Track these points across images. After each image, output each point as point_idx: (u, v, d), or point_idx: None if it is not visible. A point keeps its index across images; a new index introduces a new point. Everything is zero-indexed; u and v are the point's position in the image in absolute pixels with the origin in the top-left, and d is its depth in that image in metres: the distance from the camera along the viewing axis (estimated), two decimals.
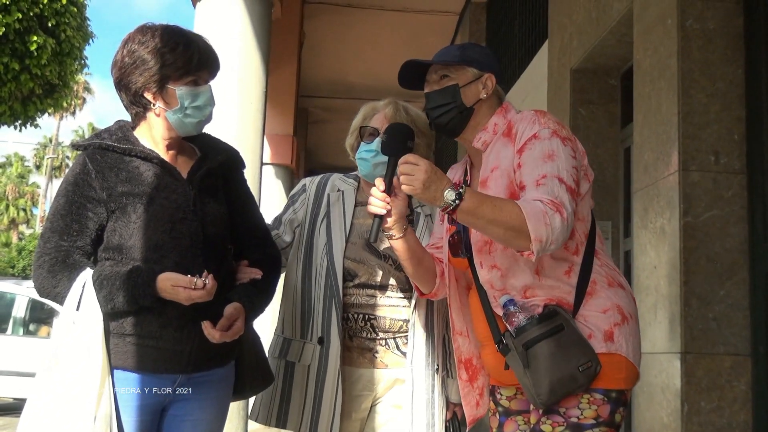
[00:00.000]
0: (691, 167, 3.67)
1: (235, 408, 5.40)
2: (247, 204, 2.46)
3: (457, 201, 1.96)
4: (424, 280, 2.43)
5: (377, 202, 2.18)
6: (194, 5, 6.43)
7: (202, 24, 6.28)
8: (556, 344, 2.02)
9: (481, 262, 2.22)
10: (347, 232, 2.69)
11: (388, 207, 2.19)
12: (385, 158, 2.28)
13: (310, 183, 2.81)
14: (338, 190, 2.77)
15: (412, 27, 9.49)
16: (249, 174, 5.79)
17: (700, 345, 3.56)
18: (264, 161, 7.10)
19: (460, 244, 2.30)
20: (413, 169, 2.00)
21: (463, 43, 2.39)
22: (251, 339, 2.41)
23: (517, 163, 2.12)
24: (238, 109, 6.06)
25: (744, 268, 3.62)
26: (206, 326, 2.14)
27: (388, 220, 2.22)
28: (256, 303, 2.30)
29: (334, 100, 12.62)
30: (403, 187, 2.02)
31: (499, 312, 2.15)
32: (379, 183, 2.19)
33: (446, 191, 1.97)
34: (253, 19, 6.28)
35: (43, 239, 2.19)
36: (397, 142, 2.24)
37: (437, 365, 2.68)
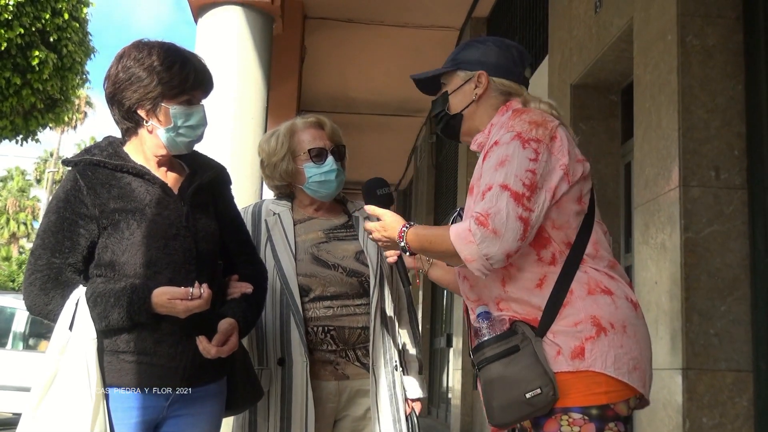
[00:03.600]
0: (691, 183, 3.67)
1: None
2: (236, 220, 2.46)
3: (402, 245, 2.17)
4: None
5: (389, 251, 2.38)
6: (196, 21, 6.45)
7: (203, 39, 6.31)
8: (505, 367, 1.95)
9: (459, 272, 2.21)
10: (293, 251, 2.73)
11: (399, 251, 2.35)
12: (344, 175, 2.81)
13: (244, 213, 2.81)
14: (274, 214, 2.82)
15: (413, 42, 9.50)
16: (250, 189, 5.83)
17: (702, 361, 3.55)
18: None
19: None
20: (373, 235, 2.29)
21: (465, 42, 2.36)
22: (241, 353, 2.41)
23: (480, 172, 2.09)
24: (239, 124, 6.08)
25: (745, 284, 3.61)
26: (202, 341, 2.14)
27: (407, 260, 2.41)
28: (249, 318, 2.31)
29: (335, 114, 12.62)
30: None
31: (474, 324, 2.09)
32: None
33: (398, 241, 2.18)
34: (254, 35, 6.30)
35: (34, 256, 2.16)
36: (374, 198, 2.38)
37: (395, 362, 2.75)
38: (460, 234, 1.96)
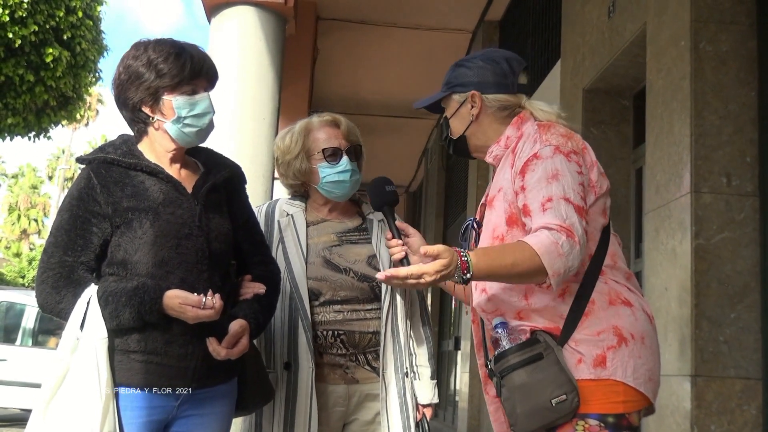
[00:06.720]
0: (703, 189, 3.66)
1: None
2: (250, 220, 2.45)
3: (468, 278, 1.89)
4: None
5: (395, 249, 2.35)
6: (209, 20, 6.48)
7: (216, 39, 6.33)
8: (530, 374, 1.96)
9: (476, 284, 2.19)
10: (305, 253, 2.70)
11: (405, 248, 2.34)
12: (360, 175, 2.73)
13: (257, 212, 2.76)
14: (288, 215, 2.78)
15: (425, 44, 9.50)
16: (260, 189, 5.84)
17: (711, 368, 3.53)
18: (276, 176, 7.12)
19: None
20: (421, 279, 1.88)
21: (455, 63, 2.34)
22: (253, 354, 2.41)
23: (520, 186, 2.05)
24: (250, 124, 6.09)
25: (755, 291, 3.60)
26: (212, 342, 2.14)
27: (412, 259, 2.30)
28: (260, 319, 2.30)
29: (346, 116, 12.61)
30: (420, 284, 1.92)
31: (493, 335, 2.11)
32: (387, 234, 2.34)
33: (456, 275, 1.88)
34: (267, 35, 6.31)
35: (46, 254, 2.16)
36: (382, 194, 2.40)
37: (406, 368, 2.72)
38: (549, 248, 1.89)
